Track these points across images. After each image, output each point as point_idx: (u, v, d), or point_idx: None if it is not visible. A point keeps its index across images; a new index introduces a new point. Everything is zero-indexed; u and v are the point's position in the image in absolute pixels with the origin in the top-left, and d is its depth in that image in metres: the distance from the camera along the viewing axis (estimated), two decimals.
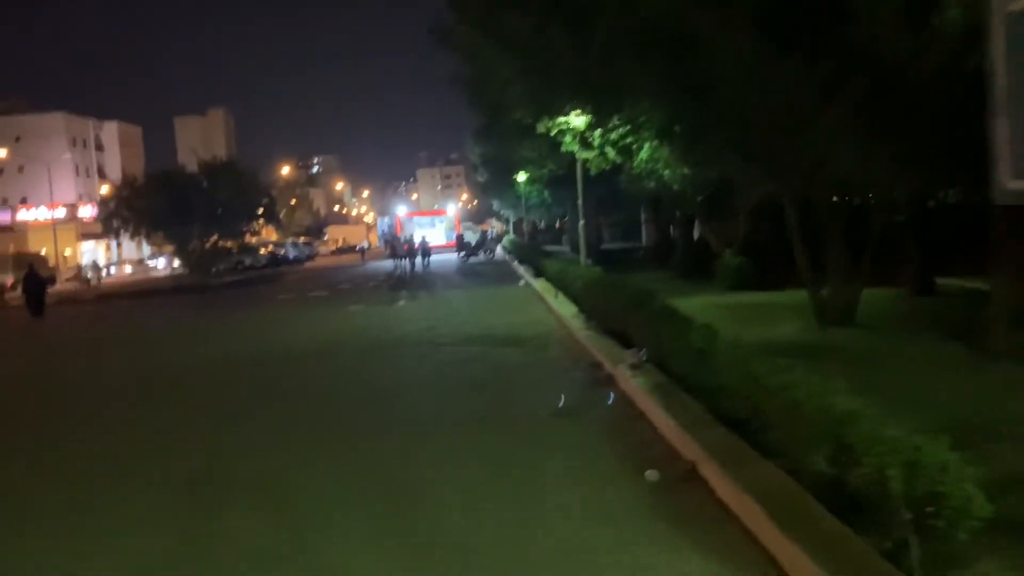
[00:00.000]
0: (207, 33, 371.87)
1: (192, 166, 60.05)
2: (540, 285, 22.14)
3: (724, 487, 5.50)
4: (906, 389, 8.00)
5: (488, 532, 5.40)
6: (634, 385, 8.58)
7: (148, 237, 59.54)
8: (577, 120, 19.49)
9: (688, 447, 6.35)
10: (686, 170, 19.32)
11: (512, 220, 62.31)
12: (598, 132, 18.34)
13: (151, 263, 73.30)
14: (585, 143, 19.13)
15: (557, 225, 57.32)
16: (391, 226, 65.83)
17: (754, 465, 5.59)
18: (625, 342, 11.21)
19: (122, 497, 6.74)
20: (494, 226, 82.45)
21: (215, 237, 57.90)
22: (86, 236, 76.39)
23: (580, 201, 19.91)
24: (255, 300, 29.33)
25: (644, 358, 9.24)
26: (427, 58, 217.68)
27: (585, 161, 20.28)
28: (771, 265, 20.17)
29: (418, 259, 39.64)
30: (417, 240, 40.58)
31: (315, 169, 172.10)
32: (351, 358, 13.60)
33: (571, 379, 10.22)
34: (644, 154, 19.35)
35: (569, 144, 20.34)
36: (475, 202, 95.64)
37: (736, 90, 10.62)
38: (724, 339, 7.99)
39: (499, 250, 51.44)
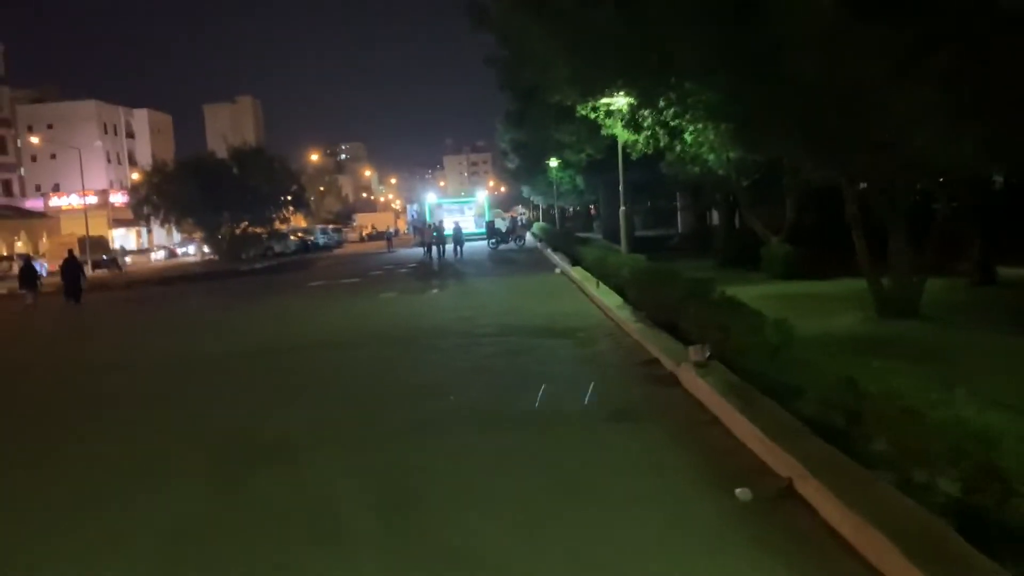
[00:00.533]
0: (235, 22, 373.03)
1: (222, 153, 59.91)
2: (578, 273, 21.36)
3: (832, 510, 4.72)
4: (996, 389, 7.15)
5: (553, 564, 4.65)
6: (702, 385, 7.78)
7: (178, 224, 59.61)
8: (621, 101, 18.68)
9: (780, 460, 5.57)
10: (732, 154, 18.51)
11: (542, 207, 61.47)
12: (648, 112, 17.50)
13: (181, 250, 73.37)
14: (635, 124, 18.31)
15: (590, 211, 56.30)
16: (420, 213, 65.20)
17: (866, 485, 4.79)
18: (680, 336, 10.45)
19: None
20: (521, 213, 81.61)
21: (245, 224, 57.78)
22: (117, 223, 76.58)
23: (621, 187, 19.10)
24: (286, 286, 28.81)
25: (708, 354, 8.46)
26: (453, 44, 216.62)
27: (626, 145, 19.44)
28: (819, 253, 19.30)
29: (449, 247, 38.91)
30: (449, 226, 39.67)
31: (342, 156, 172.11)
32: (387, 349, 12.92)
33: (628, 376, 9.47)
34: (689, 137, 18.53)
35: (611, 127, 19.53)
36: (502, 188, 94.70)
37: (805, 60, 9.72)
38: (800, 335, 7.23)
39: (529, 237, 50.66)
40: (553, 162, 40.56)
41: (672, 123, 18.02)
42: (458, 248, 38.48)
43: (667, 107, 17.66)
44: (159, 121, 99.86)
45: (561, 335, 12.79)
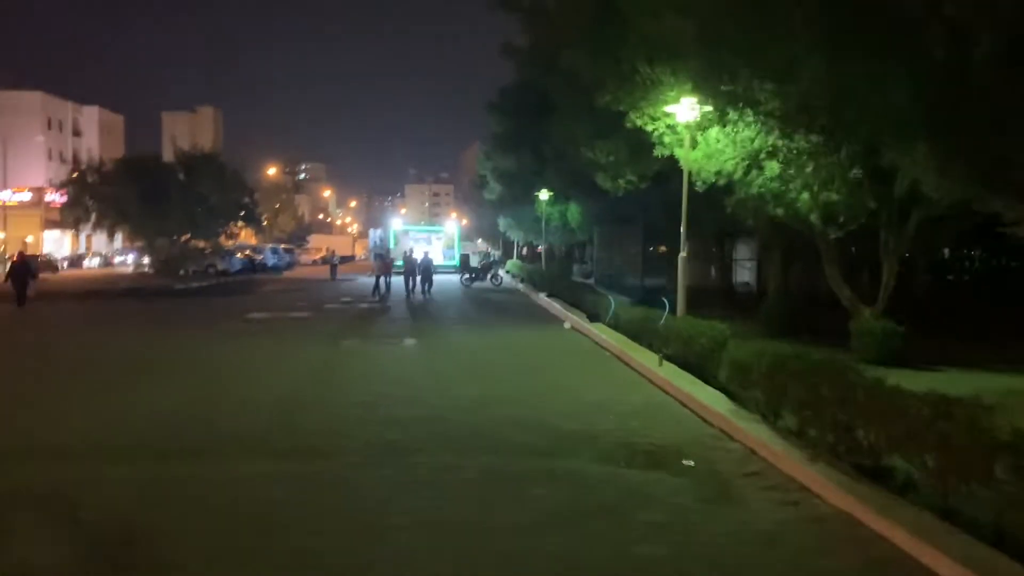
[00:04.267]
0: (204, 33, 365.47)
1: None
2: (606, 335, 16.20)
3: None
4: None
5: None
6: None
7: (111, 229, 53.30)
8: (690, 113, 13.77)
9: None
10: (835, 196, 13.73)
11: (518, 243, 56.33)
12: (740, 127, 12.64)
13: (119, 259, 66.74)
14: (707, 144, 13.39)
15: (573, 251, 51.09)
16: (383, 239, 59.69)
17: None
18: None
19: None
20: (479, 248, 76.36)
21: (187, 236, 51.70)
22: (52, 224, 69.52)
23: (683, 226, 14.08)
24: (217, 317, 23.14)
25: None
26: (421, 73, 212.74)
27: (691, 175, 14.45)
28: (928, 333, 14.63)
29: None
30: (418, 256, 33.40)
31: (302, 176, 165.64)
32: (355, 471, 7.48)
33: None
34: (776, 168, 13.76)
35: (671, 145, 14.58)
36: (464, 221, 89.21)
37: None
38: None
39: (504, 275, 45.45)
40: (543, 194, 35.59)
41: (769, 145, 13.26)
42: (426, 285, 31.61)
43: (756, 120, 12.92)
44: (110, 121, 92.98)
45: (655, 463, 7.60)
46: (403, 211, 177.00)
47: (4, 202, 64.73)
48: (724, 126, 13.68)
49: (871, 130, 11.95)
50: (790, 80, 11.75)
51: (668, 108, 14.07)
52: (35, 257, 46.89)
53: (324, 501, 6.50)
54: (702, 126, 13.98)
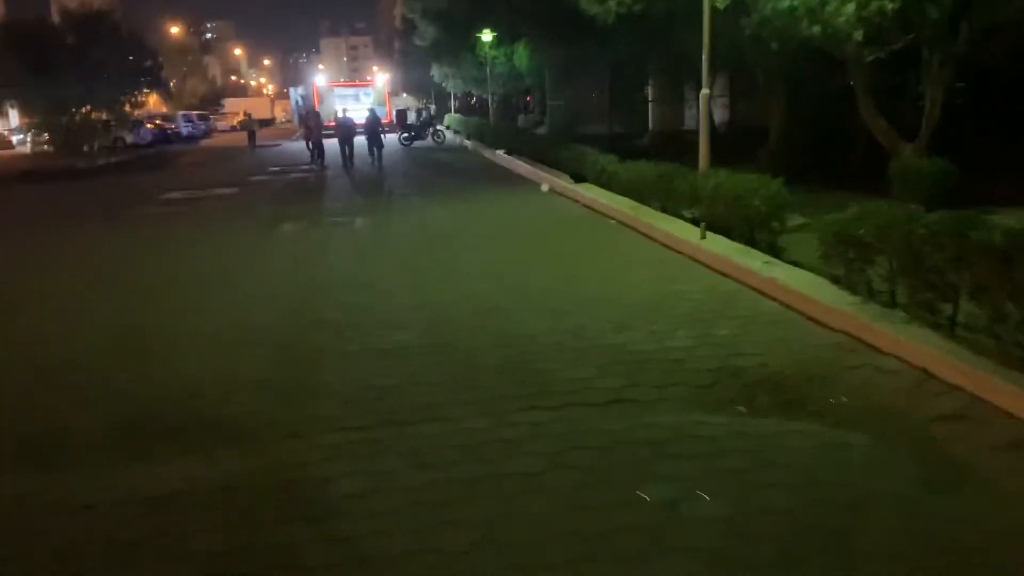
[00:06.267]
0: None
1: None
2: (604, 198, 13.45)
3: None
4: None
5: None
6: None
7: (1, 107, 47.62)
8: None
9: None
10: (889, 4, 11.00)
11: (455, 94, 52.14)
12: None
13: (17, 138, 60.51)
14: None
15: (527, 102, 47.16)
16: (307, 98, 54.92)
17: None
18: None
19: None
20: (412, 104, 71.61)
21: (87, 109, 46.29)
22: None
23: (705, 57, 11.03)
24: (128, 198, 19.72)
25: None
26: None
27: None
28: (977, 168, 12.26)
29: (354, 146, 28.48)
30: (360, 118, 29.14)
31: (208, 35, 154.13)
32: (321, 466, 4.80)
33: None
34: None
35: None
36: (387, 77, 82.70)
37: None
38: None
39: (447, 133, 41.82)
40: (486, 35, 31.74)
41: None
42: (374, 149, 26.48)
43: None
44: None
45: (790, 404, 5.05)
46: (321, 67, 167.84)
47: None
48: None
49: None
50: None
51: None
52: None
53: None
54: None
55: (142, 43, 50.79)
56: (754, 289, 7.69)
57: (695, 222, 10.25)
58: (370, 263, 10.45)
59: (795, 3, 11.59)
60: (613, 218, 12.29)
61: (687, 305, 7.36)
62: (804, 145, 16.55)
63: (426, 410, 5.22)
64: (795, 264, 7.92)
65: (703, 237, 9.39)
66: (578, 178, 15.82)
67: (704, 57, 10.98)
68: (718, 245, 9.03)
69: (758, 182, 9.25)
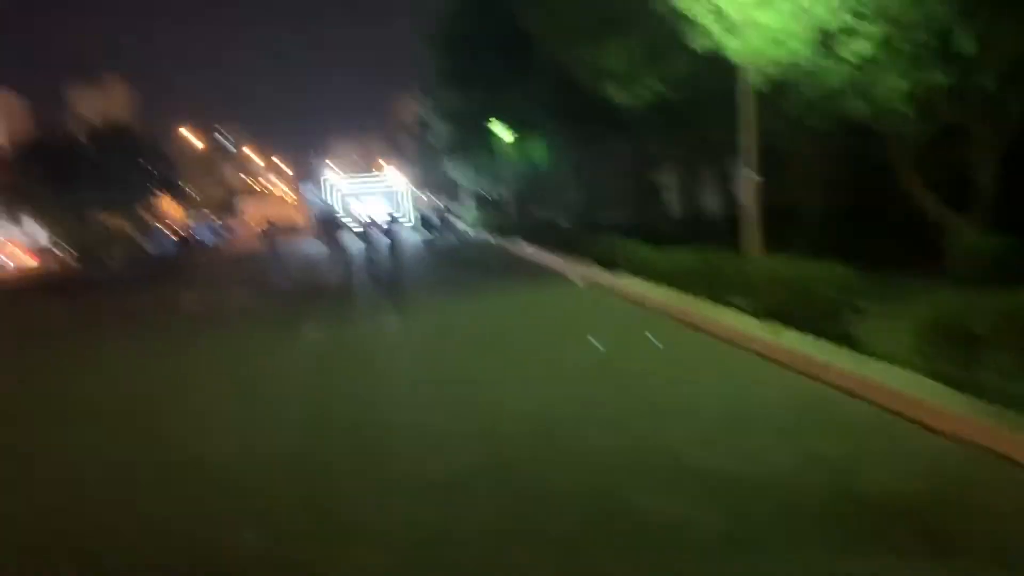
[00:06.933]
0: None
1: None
2: (647, 291, 12.77)
3: None
4: None
5: None
6: None
7: (12, 218, 47.99)
8: None
9: None
10: (942, 78, 10.56)
11: (470, 190, 51.98)
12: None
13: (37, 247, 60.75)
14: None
15: (540, 193, 46.74)
16: (324, 199, 54.77)
17: None
18: None
19: None
20: (433, 202, 71.65)
21: (103, 214, 46.49)
22: None
23: (745, 137, 10.48)
24: (138, 320, 19.18)
25: None
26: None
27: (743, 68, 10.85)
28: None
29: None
30: (380, 217, 28.01)
31: (219, 136, 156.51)
32: None
33: None
34: (856, 53, 10.48)
35: (713, 34, 10.95)
36: (405, 179, 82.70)
37: None
38: None
39: (463, 227, 41.55)
40: (499, 128, 31.64)
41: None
42: (391, 245, 26.14)
43: None
44: (7, 105, 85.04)
45: (943, 551, 4.24)
46: (328, 162, 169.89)
47: None
48: None
49: None
50: None
51: None
52: None
53: None
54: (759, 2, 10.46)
55: (158, 151, 51.59)
56: (842, 390, 6.90)
57: (753, 313, 9.53)
58: (417, 370, 9.73)
59: (842, 82, 11.13)
60: (666, 313, 11.51)
61: (774, 413, 6.58)
62: (842, 225, 15.93)
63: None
64: (876, 357, 7.16)
65: (774, 332, 8.64)
66: (609, 265, 15.17)
67: (743, 140, 10.45)
68: (787, 339, 8.28)
69: (821, 268, 8.57)
